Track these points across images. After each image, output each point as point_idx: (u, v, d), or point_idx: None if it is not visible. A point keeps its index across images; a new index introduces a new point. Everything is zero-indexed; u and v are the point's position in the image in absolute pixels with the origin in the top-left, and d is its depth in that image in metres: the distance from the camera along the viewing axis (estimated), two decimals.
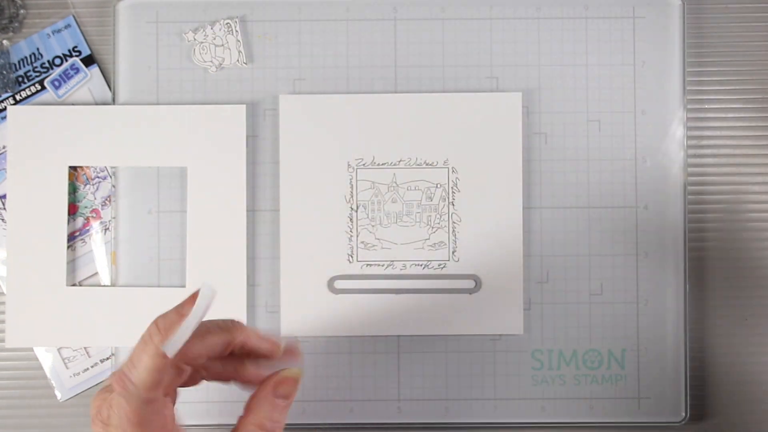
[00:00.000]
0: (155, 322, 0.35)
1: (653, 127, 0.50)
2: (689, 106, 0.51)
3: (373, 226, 0.49)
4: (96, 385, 0.51)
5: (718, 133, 0.51)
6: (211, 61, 0.50)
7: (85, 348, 0.51)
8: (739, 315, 0.51)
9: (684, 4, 0.50)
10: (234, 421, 0.37)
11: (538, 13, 0.50)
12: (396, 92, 0.50)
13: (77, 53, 0.51)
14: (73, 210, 0.51)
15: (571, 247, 0.50)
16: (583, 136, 0.50)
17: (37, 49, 0.51)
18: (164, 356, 0.33)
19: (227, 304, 0.48)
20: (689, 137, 0.51)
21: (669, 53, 0.50)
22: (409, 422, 0.50)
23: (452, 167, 0.49)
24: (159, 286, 0.50)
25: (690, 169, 0.51)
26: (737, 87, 0.51)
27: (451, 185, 0.49)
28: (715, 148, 0.51)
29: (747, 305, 0.51)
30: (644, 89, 0.50)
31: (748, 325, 0.51)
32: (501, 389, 0.50)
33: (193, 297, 0.35)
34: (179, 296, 0.47)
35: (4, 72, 0.50)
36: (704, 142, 0.51)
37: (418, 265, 0.49)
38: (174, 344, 0.33)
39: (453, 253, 0.49)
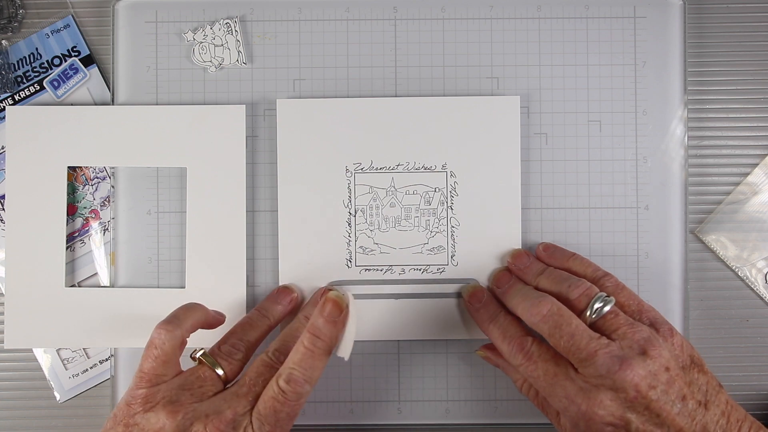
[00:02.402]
0: (311, 333, 0.40)
1: (654, 127, 0.50)
2: (690, 106, 0.51)
3: (371, 230, 0.49)
4: (96, 385, 0.51)
5: (718, 133, 0.51)
6: (211, 61, 0.50)
7: (84, 349, 0.51)
8: (741, 316, 0.51)
9: (685, 3, 0.50)
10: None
11: (538, 12, 0.50)
12: (396, 92, 0.50)
13: (76, 53, 0.51)
14: (72, 210, 0.51)
15: (571, 248, 0.49)
16: (583, 136, 0.50)
17: (36, 49, 0.51)
18: (327, 358, 0.40)
19: (227, 305, 0.48)
20: (690, 137, 0.51)
21: (670, 53, 0.50)
22: (410, 423, 0.50)
23: (450, 171, 0.49)
24: (158, 287, 0.50)
25: (691, 169, 0.51)
26: (738, 87, 0.51)
27: (449, 189, 0.49)
28: (716, 148, 0.51)
29: (749, 306, 0.51)
30: (645, 89, 0.50)
31: (750, 326, 0.51)
32: (501, 390, 0.50)
33: (333, 302, 0.41)
34: (179, 297, 0.48)
35: (3, 72, 0.50)
36: (705, 142, 0.51)
37: (417, 269, 0.49)
38: (346, 347, 0.40)
39: (452, 257, 0.49)
